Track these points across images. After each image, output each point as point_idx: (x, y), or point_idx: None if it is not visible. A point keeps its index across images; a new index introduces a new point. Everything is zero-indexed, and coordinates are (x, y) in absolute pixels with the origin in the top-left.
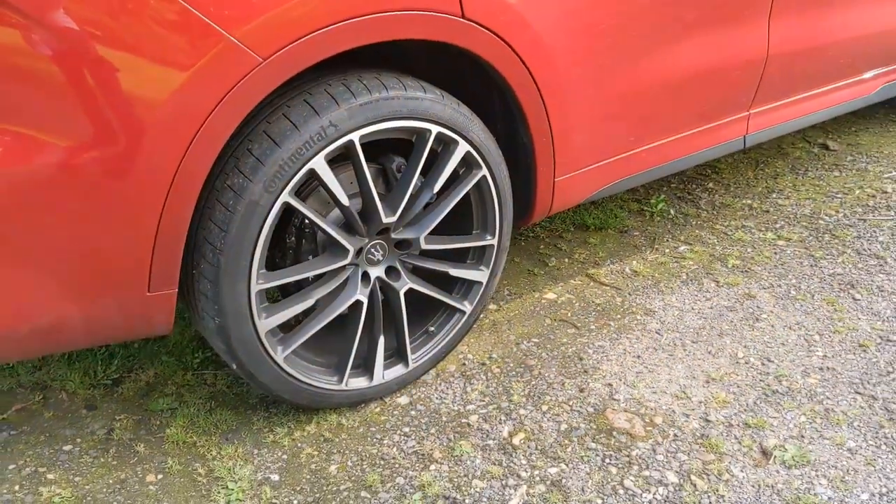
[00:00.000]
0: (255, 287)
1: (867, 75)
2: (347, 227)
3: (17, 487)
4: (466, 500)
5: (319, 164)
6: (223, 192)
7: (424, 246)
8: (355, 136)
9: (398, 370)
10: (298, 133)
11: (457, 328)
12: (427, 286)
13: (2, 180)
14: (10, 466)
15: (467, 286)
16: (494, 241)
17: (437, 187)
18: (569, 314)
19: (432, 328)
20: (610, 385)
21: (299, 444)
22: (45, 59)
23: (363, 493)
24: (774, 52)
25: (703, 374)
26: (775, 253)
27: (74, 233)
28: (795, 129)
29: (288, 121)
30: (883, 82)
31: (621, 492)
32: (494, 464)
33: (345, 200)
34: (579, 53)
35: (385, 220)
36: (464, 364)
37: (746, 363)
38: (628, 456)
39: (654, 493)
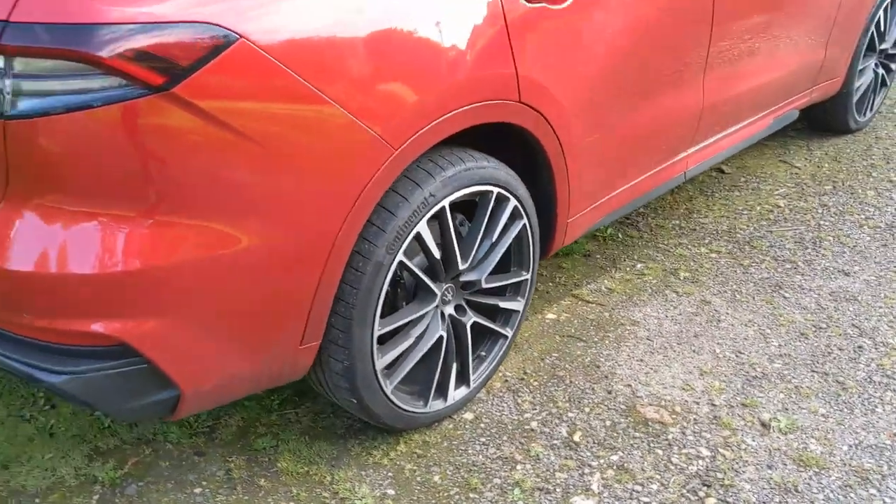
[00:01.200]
0: (376, 332)
1: (763, 113)
2: (432, 274)
3: None
4: (557, 489)
5: (423, 227)
6: (353, 258)
7: (484, 285)
8: (446, 202)
9: (462, 391)
10: (408, 203)
11: (501, 351)
12: (483, 318)
13: (200, 266)
14: None
15: (507, 314)
16: (528, 276)
17: (495, 237)
18: (572, 330)
19: (482, 352)
20: (629, 385)
21: (398, 462)
22: (245, 170)
23: (471, 495)
24: (707, 102)
25: (695, 368)
26: (713, 264)
27: (252, 303)
28: (717, 162)
29: (399, 195)
30: (773, 118)
31: (672, 467)
32: (566, 458)
33: (437, 254)
34: (585, 119)
35: (461, 266)
36: (506, 381)
37: (724, 357)
38: (666, 439)
39: (697, 465)
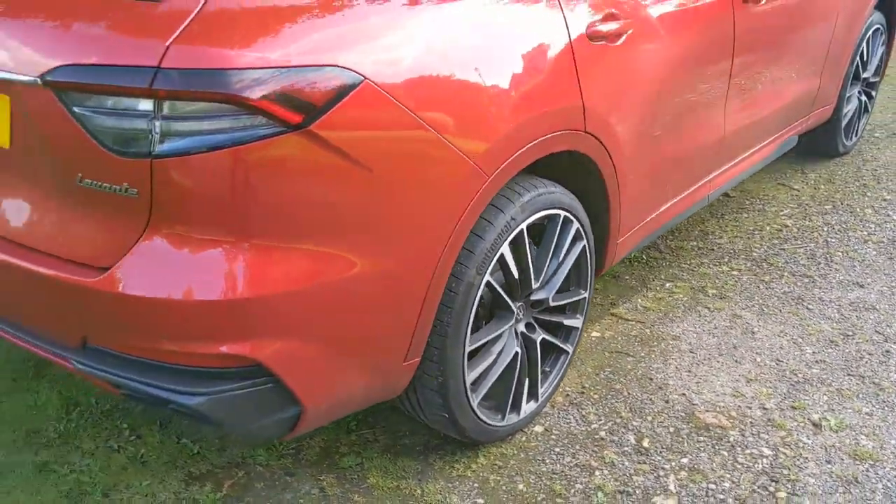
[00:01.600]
0: (467, 349)
1: (771, 138)
2: (509, 294)
3: None
4: (637, 491)
5: (505, 249)
6: (449, 279)
7: (552, 303)
8: (524, 226)
9: (532, 405)
10: (493, 227)
11: (564, 367)
12: (549, 335)
13: (322, 290)
14: None
15: (568, 331)
16: (586, 294)
17: (562, 256)
18: (618, 346)
19: (547, 368)
20: (684, 395)
21: (481, 474)
22: (364, 200)
23: (558, 500)
24: (728, 129)
25: (741, 377)
26: (736, 281)
27: (366, 323)
28: (735, 185)
29: (486, 220)
30: (779, 143)
31: (739, 466)
32: (639, 463)
33: (516, 274)
34: (634, 145)
35: (534, 285)
36: (567, 395)
37: (765, 365)
38: (728, 441)
39: (762, 463)
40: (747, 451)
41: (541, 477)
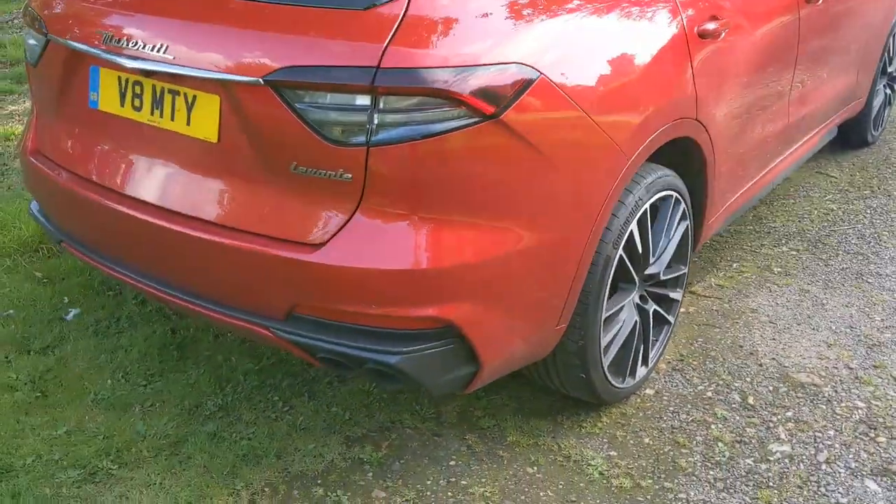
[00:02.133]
0: (602, 316)
1: (819, 128)
2: (634, 268)
3: (441, 481)
4: (753, 441)
5: (634, 226)
6: (593, 254)
7: (663, 277)
8: (646, 206)
9: (643, 371)
10: (625, 206)
11: (667, 336)
12: (658, 306)
13: (499, 259)
14: (431, 479)
15: (670, 304)
16: (685, 270)
17: (671, 235)
18: (704, 320)
19: (653, 337)
20: (774, 359)
21: (608, 431)
22: (536, 179)
23: (683, 450)
24: (791, 118)
25: (822, 342)
26: (797, 260)
27: (532, 290)
28: (791, 172)
29: (620, 201)
30: (824, 132)
31: (838, 416)
32: (749, 417)
33: (640, 250)
34: (727, 132)
35: (651, 260)
36: (669, 362)
37: (840, 331)
38: (825, 396)
39: (859, 413)
40: (843, 405)
41: (662, 431)
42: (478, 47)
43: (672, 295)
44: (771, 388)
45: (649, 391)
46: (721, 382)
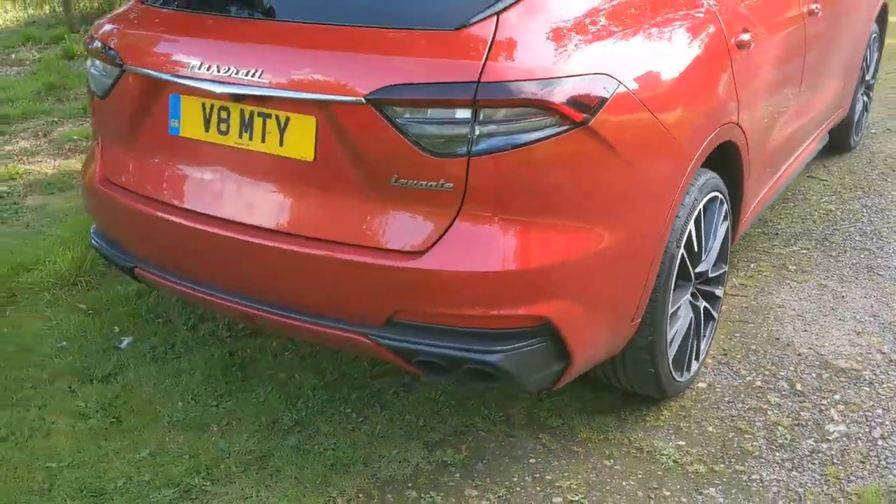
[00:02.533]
0: (668, 312)
1: (817, 133)
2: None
3: (527, 477)
4: (809, 423)
5: (692, 226)
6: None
7: (711, 274)
8: (700, 206)
9: (695, 365)
10: (685, 207)
11: (713, 332)
12: (706, 303)
13: (586, 260)
14: (517, 476)
15: (714, 300)
16: (726, 267)
17: (717, 234)
18: (737, 316)
19: (703, 333)
20: (811, 349)
21: (672, 423)
22: (618, 183)
23: (745, 436)
24: (797, 122)
25: (852, 331)
26: (809, 258)
27: (614, 288)
28: (797, 174)
29: (682, 203)
30: (820, 137)
31: (883, 396)
32: (801, 402)
33: (696, 248)
34: (758, 135)
35: (703, 258)
36: (714, 357)
37: (866, 320)
38: (866, 379)
39: None
40: (885, 385)
41: (723, 420)
42: (565, 60)
43: (717, 292)
44: (814, 374)
45: (702, 384)
46: (767, 372)
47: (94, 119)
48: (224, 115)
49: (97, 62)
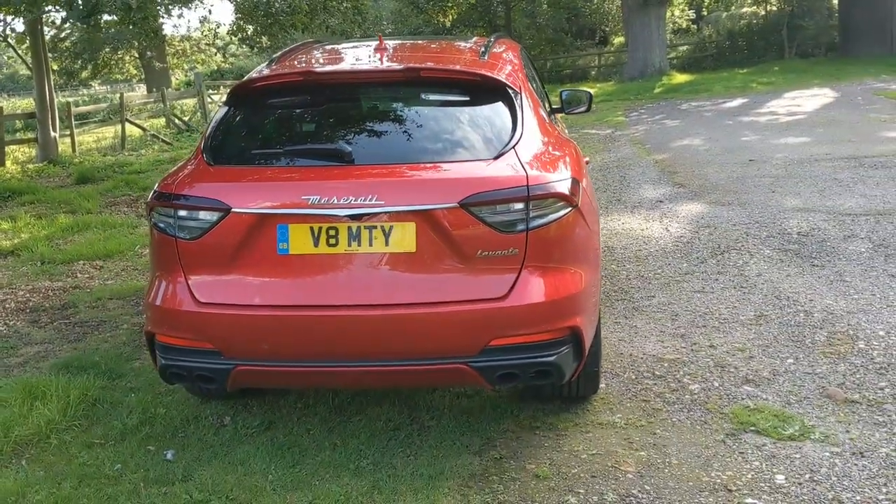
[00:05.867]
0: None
1: None
2: None
3: (583, 454)
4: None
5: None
6: None
7: None
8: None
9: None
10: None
11: None
12: None
13: (583, 289)
14: (573, 447)
15: None
16: None
17: None
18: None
19: None
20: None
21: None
22: (588, 239)
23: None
24: None
25: (882, 318)
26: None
27: (596, 309)
28: None
29: None
30: None
31: None
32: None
33: None
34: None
35: None
36: None
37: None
38: None
39: None
40: None
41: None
42: (559, 170)
43: None
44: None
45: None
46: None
47: (165, 259)
48: (332, 232)
49: (183, 212)
